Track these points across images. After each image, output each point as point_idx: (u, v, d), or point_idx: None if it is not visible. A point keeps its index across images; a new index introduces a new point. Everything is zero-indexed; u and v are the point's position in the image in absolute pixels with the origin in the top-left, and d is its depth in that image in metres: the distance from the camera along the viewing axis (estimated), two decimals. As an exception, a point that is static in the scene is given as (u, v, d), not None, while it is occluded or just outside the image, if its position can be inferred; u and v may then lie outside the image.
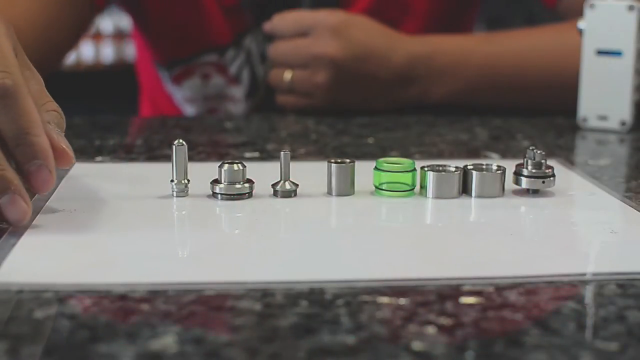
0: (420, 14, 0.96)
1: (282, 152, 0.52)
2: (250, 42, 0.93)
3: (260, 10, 0.88)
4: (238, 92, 0.96)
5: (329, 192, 0.53)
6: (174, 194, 0.51)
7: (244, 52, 0.94)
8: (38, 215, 0.47)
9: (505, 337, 0.34)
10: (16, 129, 0.44)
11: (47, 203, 0.50)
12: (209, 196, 0.52)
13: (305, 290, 0.38)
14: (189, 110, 0.98)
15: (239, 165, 0.51)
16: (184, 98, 0.98)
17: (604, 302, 0.38)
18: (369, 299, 0.37)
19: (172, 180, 0.51)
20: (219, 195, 0.51)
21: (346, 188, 0.52)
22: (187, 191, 0.51)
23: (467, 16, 1.04)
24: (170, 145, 0.51)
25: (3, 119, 0.44)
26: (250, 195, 0.52)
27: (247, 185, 0.51)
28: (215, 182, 0.51)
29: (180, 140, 0.51)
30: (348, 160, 0.52)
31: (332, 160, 0.53)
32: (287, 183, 0.52)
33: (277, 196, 0.52)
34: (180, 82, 0.96)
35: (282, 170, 0.52)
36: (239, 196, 0.51)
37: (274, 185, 0.52)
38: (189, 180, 0.51)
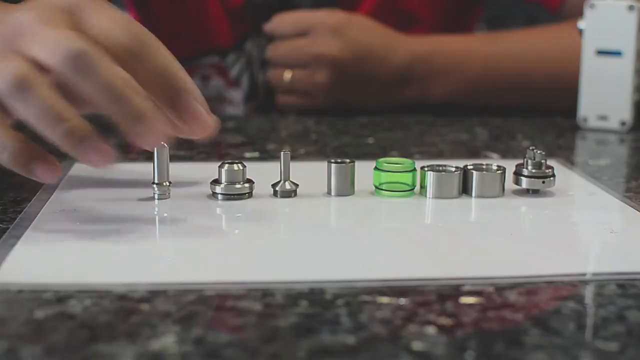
0: (426, 20, 0.96)
1: (282, 152, 0.52)
2: (251, 47, 0.93)
3: (263, 13, 0.88)
4: (237, 95, 0.96)
5: (329, 192, 0.53)
6: (156, 196, 0.51)
7: (245, 56, 0.94)
8: (38, 215, 0.47)
9: (505, 337, 0.34)
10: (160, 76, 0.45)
11: (47, 203, 0.50)
12: (209, 196, 0.52)
13: (305, 290, 0.38)
14: None
15: (239, 165, 0.51)
16: None
17: (604, 302, 0.38)
18: (369, 299, 0.37)
19: (154, 183, 0.51)
20: (219, 195, 0.51)
21: (346, 188, 0.52)
22: (169, 193, 0.51)
23: (469, 20, 1.04)
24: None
25: (145, 67, 0.44)
26: (250, 195, 0.52)
27: (247, 185, 0.51)
28: (215, 182, 0.51)
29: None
30: (348, 160, 0.52)
31: (332, 160, 0.53)
32: (287, 183, 0.52)
33: (277, 196, 0.52)
34: None
35: (282, 170, 0.52)
36: (239, 196, 0.51)
37: (274, 185, 0.52)
38: (170, 183, 0.51)
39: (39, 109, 0.42)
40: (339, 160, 0.52)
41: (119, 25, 0.45)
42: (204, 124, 0.45)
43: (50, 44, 0.43)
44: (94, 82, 0.42)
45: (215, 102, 0.96)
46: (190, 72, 0.97)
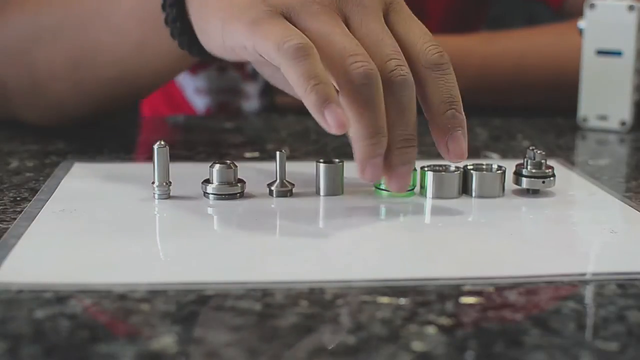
0: (436, 16, 0.95)
1: (277, 152, 0.52)
2: None
3: None
4: (252, 88, 0.95)
5: (317, 192, 0.52)
6: (156, 196, 0.51)
7: None
8: (38, 215, 0.47)
9: (505, 337, 0.34)
10: (448, 97, 0.50)
11: (47, 203, 0.50)
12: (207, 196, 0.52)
13: (305, 290, 0.38)
14: (200, 103, 0.98)
15: (231, 164, 0.51)
16: (196, 89, 0.97)
17: (604, 302, 0.38)
18: (369, 299, 0.37)
19: (153, 183, 0.51)
20: (210, 196, 0.51)
21: (334, 188, 0.52)
22: (169, 193, 0.51)
23: (478, 16, 1.04)
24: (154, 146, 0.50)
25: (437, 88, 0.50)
26: (241, 195, 0.51)
27: (238, 185, 0.51)
28: (207, 182, 0.51)
29: (162, 142, 0.50)
30: (337, 160, 0.52)
31: (321, 160, 0.52)
32: (282, 183, 0.52)
33: (272, 196, 0.52)
34: (195, 72, 0.96)
35: (278, 170, 0.52)
36: (229, 196, 0.51)
37: (269, 185, 0.52)
38: (170, 183, 0.51)
39: (309, 66, 0.46)
40: (328, 161, 0.52)
41: (428, 39, 0.50)
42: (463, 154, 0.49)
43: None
44: (393, 97, 0.47)
45: (230, 95, 0.96)
46: (207, 63, 0.96)
